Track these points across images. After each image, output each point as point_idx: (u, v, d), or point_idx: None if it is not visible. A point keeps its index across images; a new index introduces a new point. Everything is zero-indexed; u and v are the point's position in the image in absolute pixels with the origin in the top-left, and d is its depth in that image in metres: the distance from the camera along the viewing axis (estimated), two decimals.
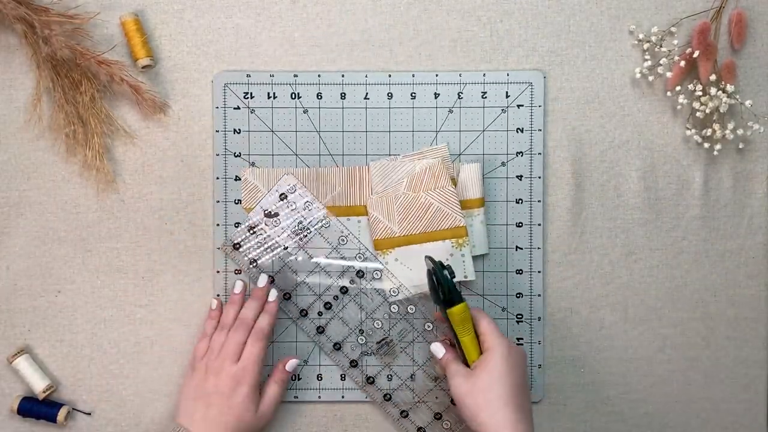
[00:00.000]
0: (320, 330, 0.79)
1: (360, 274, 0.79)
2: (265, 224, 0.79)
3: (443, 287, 0.69)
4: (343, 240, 0.79)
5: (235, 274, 0.79)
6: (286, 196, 0.79)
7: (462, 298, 0.70)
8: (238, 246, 0.79)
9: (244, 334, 0.75)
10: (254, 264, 0.79)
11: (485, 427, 0.66)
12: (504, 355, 0.68)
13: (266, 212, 0.78)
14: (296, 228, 0.78)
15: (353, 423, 0.80)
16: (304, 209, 0.78)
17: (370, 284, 0.79)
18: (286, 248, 0.79)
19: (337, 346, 0.79)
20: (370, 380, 0.79)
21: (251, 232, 0.79)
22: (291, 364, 0.77)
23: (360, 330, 0.79)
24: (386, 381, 0.79)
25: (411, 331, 0.79)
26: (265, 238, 0.79)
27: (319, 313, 0.79)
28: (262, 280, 0.77)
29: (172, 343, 0.79)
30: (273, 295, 0.77)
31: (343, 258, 0.79)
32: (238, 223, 0.79)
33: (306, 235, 0.79)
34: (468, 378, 0.69)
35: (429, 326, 0.79)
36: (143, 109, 0.78)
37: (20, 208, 0.78)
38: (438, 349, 0.73)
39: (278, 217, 0.79)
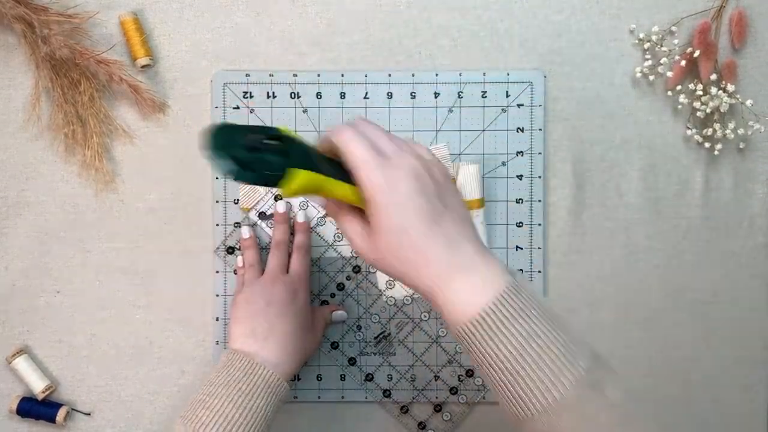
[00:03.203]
0: None
1: (356, 269, 0.79)
2: (260, 226, 0.79)
3: (257, 177, 0.47)
4: (338, 236, 0.79)
5: (235, 274, 0.79)
6: (281, 197, 0.78)
7: (286, 165, 0.48)
8: (232, 250, 0.79)
9: (285, 253, 0.74)
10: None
11: (419, 288, 0.51)
12: (384, 205, 0.49)
13: (260, 214, 0.78)
14: (292, 228, 0.78)
15: (353, 423, 0.80)
16: (300, 209, 0.78)
17: (366, 279, 0.79)
18: None
19: (335, 345, 0.79)
20: (369, 377, 0.79)
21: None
22: (338, 314, 0.77)
23: (358, 326, 0.79)
24: (386, 378, 0.79)
25: (408, 322, 0.79)
26: (260, 241, 0.78)
27: None
28: (282, 206, 0.76)
29: (172, 343, 0.79)
30: (301, 216, 0.76)
31: (339, 255, 0.79)
32: (238, 223, 0.79)
33: None
34: (368, 240, 0.52)
35: (425, 316, 0.79)
36: (142, 109, 0.78)
37: (19, 208, 0.78)
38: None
39: (273, 219, 0.78)
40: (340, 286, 0.79)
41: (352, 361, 0.79)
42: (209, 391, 0.63)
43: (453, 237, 0.50)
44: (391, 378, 0.79)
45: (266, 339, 0.67)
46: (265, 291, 0.70)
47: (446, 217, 0.51)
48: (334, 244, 0.79)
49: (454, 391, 0.79)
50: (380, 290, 0.79)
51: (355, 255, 0.79)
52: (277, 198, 0.78)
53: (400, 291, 0.79)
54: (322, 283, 0.79)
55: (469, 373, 0.79)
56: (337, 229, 0.78)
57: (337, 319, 0.77)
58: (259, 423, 0.62)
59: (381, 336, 0.79)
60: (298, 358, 0.69)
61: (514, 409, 0.49)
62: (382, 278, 0.79)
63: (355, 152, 0.50)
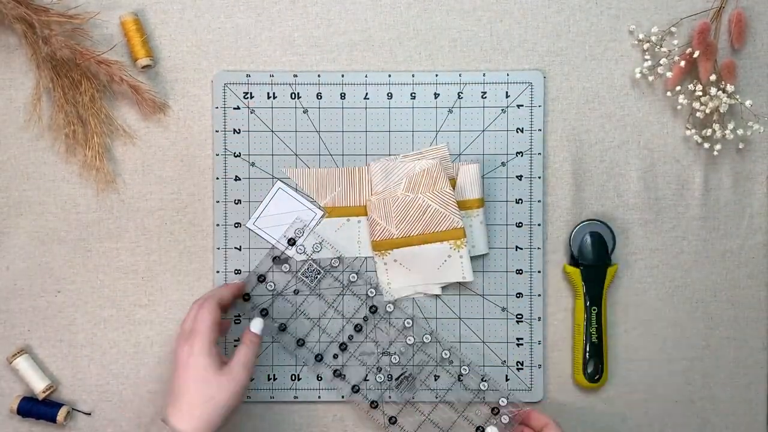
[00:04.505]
0: (337, 373, 0.78)
1: (373, 309, 0.79)
2: (274, 271, 0.79)
3: None
4: (353, 277, 0.78)
5: (235, 274, 0.79)
6: (295, 241, 0.78)
7: None
8: (248, 297, 0.78)
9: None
10: (265, 313, 0.78)
11: None
12: None
13: (275, 258, 0.78)
14: (306, 271, 0.78)
15: (353, 423, 0.80)
16: (313, 252, 0.78)
17: (384, 318, 0.79)
18: (297, 292, 0.78)
19: (356, 389, 0.78)
20: (393, 420, 0.78)
21: (260, 280, 0.78)
22: (255, 324, 0.72)
23: (378, 368, 0.79)
24: (408, 419, 0.78)
25: (429, 361, 0.79)
26: (275, 286, 0.79)
27: (335, 356, 0.79)
28: (257, 326, 0.73)
29: (172, 343, 0.79)
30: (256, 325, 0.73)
31: (355, 295, 0.79)
32: (238, 223, 0.79)
33: (316, 277, 0.79)
34: None
35: (446, 354, 0.78)
36: (143, 109, 0.78)
37: (20, 208, 0.79)
38: None
39: (288, 263, 0.78)
40: (358, 328, 0.78)
41: (374, 405, 0.78)
42: None
43: None
44: (413, 417, 0.78)
45: (170, 407, 0.68)
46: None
47: None
48: (350, 285, 0.79)
49: (480, 430, 0.78)
50: (399, 329, 0.78)
51: (370, 293, 0.78)
52: (290, 242, 0.78)
53: (399, 291, 0.79)
54: (339, 326, 0.79)
55: (495, 410, 0.78)
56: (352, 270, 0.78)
57: (256, 329, 0.73)
58: None
59: (402, 377, 0.78)
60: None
61: None
62: (384, 284, 0.79)
63: None
